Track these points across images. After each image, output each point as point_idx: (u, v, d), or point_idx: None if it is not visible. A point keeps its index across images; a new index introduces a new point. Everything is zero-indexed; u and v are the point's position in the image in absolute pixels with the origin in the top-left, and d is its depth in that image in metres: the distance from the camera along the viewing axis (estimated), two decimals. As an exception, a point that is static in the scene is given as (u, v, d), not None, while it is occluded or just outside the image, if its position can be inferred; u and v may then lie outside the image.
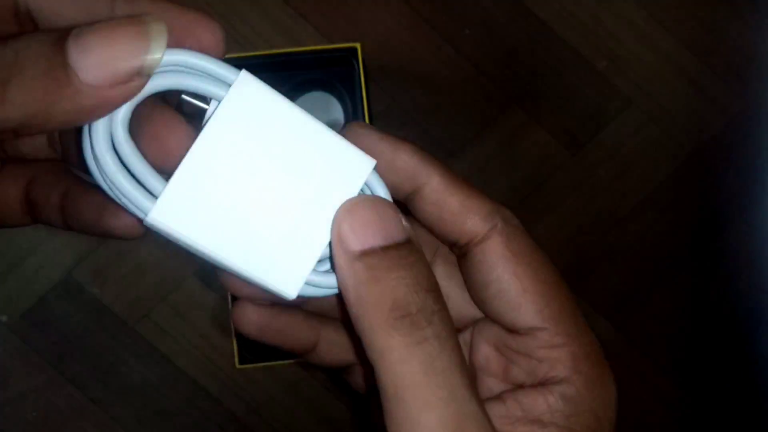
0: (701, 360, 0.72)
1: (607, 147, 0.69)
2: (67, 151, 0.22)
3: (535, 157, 0.69)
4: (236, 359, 0.53)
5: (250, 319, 0.23)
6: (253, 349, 0.53)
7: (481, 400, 0.18)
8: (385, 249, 0.18)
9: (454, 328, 0.18)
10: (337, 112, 0.58)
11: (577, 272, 0.70)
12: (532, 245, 0.21)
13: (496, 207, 0.21)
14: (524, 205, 0.69)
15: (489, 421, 0.18)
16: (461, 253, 0.21)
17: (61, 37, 0.16)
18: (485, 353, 0.22)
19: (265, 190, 0.19)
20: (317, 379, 0.67)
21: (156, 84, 0.18)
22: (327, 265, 0.20)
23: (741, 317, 0.71)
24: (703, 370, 0.72)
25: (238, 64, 0.54)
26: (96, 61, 0.15)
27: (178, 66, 0.18)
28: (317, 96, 0.58)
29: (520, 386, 0.21)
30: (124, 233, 0.20)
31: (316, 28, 0.68)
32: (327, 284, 0.20)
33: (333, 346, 0.24)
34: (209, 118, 0.19)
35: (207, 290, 0.67)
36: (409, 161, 0.20)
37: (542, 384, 0.20)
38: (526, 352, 0.20)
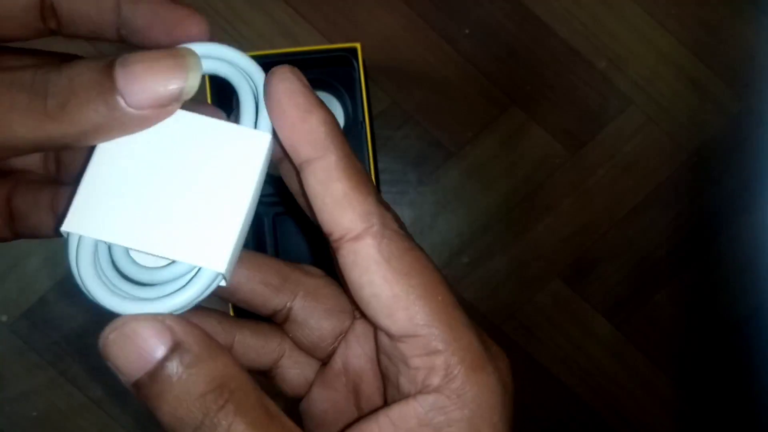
0: (700, 360, 0.72)
1: (606, 147, 0.69)
2: (67, 167, 0.23)
3: (535, 156, 0.69)
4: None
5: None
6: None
7: None
8: (152, 374, 0.18)
9: (255, 406, 0.18)
10: (337, 112, 0.58)
11: (577, 272, 0.70)
12: (407, 248, 0.20)
13: (378, 208, 0.20)
14: (523, 206, 0.69)
15: None
16: (335, 246, 0.20)
17: (108, 65, 0.18)
18: (382, 358, 0.22)
19: (170, 183, 0.20)
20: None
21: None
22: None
23: (741, 317, 0.71)
24: (702, 370, 0.72)
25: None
26: (141, 87, 0.18)
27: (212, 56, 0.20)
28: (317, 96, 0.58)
29: (393, 401, 0.20)
30: None
31: (317, 28, 0.68)
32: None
33: (248, 350, 0.24)
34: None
35: (207, 290, 0.67)
36: (317, 127, 0.20)
37: (416, 394, 0.20)
38: (404, 361, 0.20)
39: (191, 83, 0.18)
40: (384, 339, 0.21)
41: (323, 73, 0.57)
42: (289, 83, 0.20)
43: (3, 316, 0.67)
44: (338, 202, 0.19)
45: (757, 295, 0.70)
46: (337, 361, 0.24)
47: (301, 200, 0.22)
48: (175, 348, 0.18)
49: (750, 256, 0.70)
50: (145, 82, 0.18)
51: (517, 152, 0.69)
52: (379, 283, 0.19)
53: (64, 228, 0.19)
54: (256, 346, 0.25)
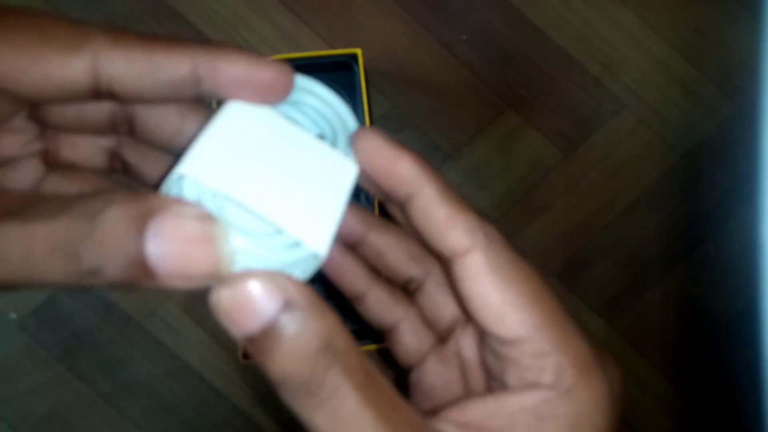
0: (692, 356, 0.72)
1: (599, 149, 0.70)
2: (134, 167, 0.24)
3: (530, 159, 0.69)
4: (240, 354, 0.54)
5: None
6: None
7: (401, 427, 0.18)
8: (265, 331, 0.18)
9: (359, 369, 0.19)
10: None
11: (571, 271, 0.70)
12: (513, 258, 0.21)
13: (480, 223, 0.21)
14: (519, 206, 0.69)
15: None
16: (448, 266, 0.21)
17: (138, 226, 0.17)
18: (487, 357, 0.22)
19: (283, 164, 0.20)
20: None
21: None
22: None
23: (732, 314, 0.71)
24: (694, 367, 0.72)
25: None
26: (173, 270, 0.17)
27: None
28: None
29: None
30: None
31: (319, 34, 0.68)
32: None
33: (379, 305, 0.25)
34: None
35: (212, 288, 0.67)
36: (408, 168, 0.21)
37: (525, 388, 0.20)
38: (515, 359, 0.21)
39: (224, 269, 0.18)
40: (493, 342, 0.21)
41: (325, 77, 0.58)
42: (373, 139, 0.22)
43: (12, 314, 0.67)
44: (442, 225, 0.21)
45: (747, 293, 0.70)
46: (455, 342, 0.24)
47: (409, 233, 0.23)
48: (287, 305, 0.18)
49: (740, 254, 0.70)
50: (175, 265, 0.17)
51: (512, 154, 0.69)
52: (489, 292, 0.20)
53: (182, 170, 0.18)
54: (388, 303, 0.25)
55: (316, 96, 0.22)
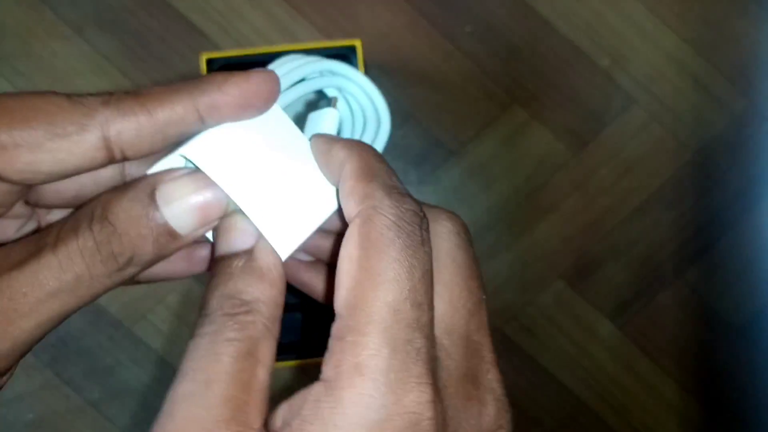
0: (704, 361, 0.72)
1: (609, 146, 0.69)
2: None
3: (537, 155, 0.69)
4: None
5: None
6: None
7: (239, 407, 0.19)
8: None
9: (257, 339, 0.20)
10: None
11: (580, 273, 0.69)
12: (388, 228, 0.20)
13: (378, 190, 0.20)
14: (526, 204, 0.69)
15: (223, 419, 0.18)
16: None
17: (149, 202, 0.20)
18: None
19: (270, 163, 0.22)
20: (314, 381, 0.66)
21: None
22: None
23: (745, 318, 0.70)
24: (705, 372, 0.71)
25: (237, 62, 0.53)
26: (192, 222, 0.21)
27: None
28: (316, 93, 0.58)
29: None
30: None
31: (315, 25, 0.67)
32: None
33: None
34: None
35: (205, 291, 0.67)
36: (338, 152, 0.22)
37: (316, 382, 0.20)
38: (330, 336, 0.20)
39: (227, 205, 0.21)
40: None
41: (322, 71, 0.57)
42: (317, 138, 0.23)
43: None
44: (345, 197, 0.21)
45: (761, 296, 0.70)
46: None
47: None
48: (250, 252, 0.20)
49: (754, 255, 0.69)
50: (192, 217, 0.20)
51: (518, 151, 0.69)
52: (345, 259, 0.20)
53: (183, 152, 0.21)
54: None
55: (357, 85, 0.23)
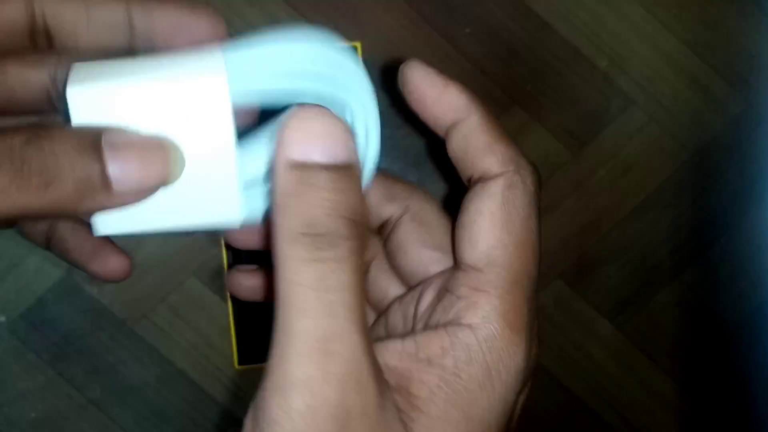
0: (702, 360, 0.72)
1: (608, 147, 0.69)
2: (61, 40, 0.24)
3: (536, 156, 0.69)
4: (235, 359, 0.53)
5: (243, 284, 0.25)
6: (252, 349, 0.53)
7: (363, 329, 0.18)
8: (321, 167, 0.18)
9: (362, 262, 0.19)
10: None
11: (578, 273, 0.69)
12: (527, 204, 0.21)
13: (518, 158, 0.22)
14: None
15: (363, 344, 0.18)
16: (470, 187, 0.22)
17: (95, 145, 0.18)
18: (429, 301, 0.23)
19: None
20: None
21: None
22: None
23: (744, 317, 0.70)
24: (704, 371, 0.71)
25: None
26: (132, 176, 0.18)
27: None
28: (317, 95, 0.58)
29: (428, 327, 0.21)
30: (111, 277, 0.23)
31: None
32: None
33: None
34: None
35: (207, 291, 0.67)
36: (457, 97, 0.22)
37: (446, 325, 0.20)
38: (454, 289, 0.21)
39: (174, 177, 0.19)
40: (448, 277, 0.21)
41: (323, 72, 0.57)
42: (420, 68, 0.23)
43: (1, 317, 0.67)
44: (482, 150, 0.21)
45: (760, 295, 0.70)
46: (416, 291, 0.25)
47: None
48: (347, 166, 0.19)
49: (753, 255, 0.69)
50: (136, 172, 0.18)
51: (518, 152, 0.69)
52: (485, 214, 0.21)
53: (99, 232, 0.20)
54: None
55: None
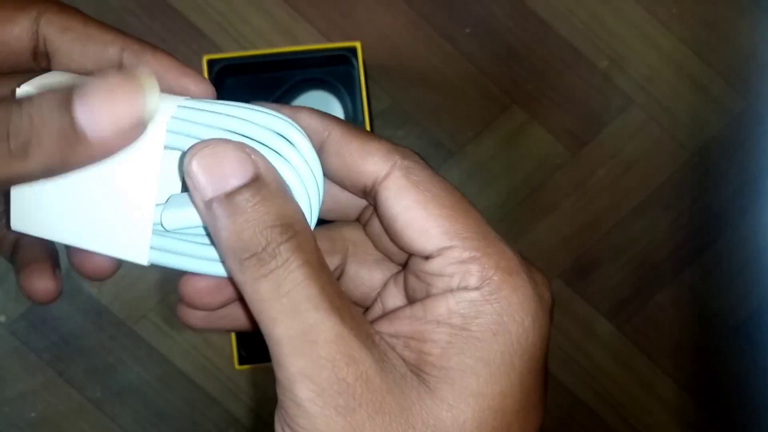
0: (701, 360, 0.72)
1: (607, 146, 0.69)
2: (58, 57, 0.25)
3: (536, 156, 0.69)
4: (235, 360, 0.53)
5: (195, 315, 0.25)
6: (252, 349, 0.53)
7: (335, 308, 0.19)
8: (229, 195, 0.19)
9: (313, 251, 0.20)
10: (337, 111, 0.57)
11: (578, 273, 0.69)
12: (431, 175, 0.22)
13: (393, 146, 0.22)
14: (524, 206, 0.69)
15: (340, 323, 0.19)
16: (372, 198, 0.22)
17: (66, 98, 0.18)
18: (411, 285, 0.23)
19: (81, 181, 0.21)
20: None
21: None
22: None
23: (742, 317, 0.70)
24: (702, 370, 0.71)
25: (237, 63, 0.53)
26: (101, 120, 0.18)
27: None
28: (317, 95, 0.58)
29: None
30: (33, 298, 0.24)
31: (316, 27, 0.67)
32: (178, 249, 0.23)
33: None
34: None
35: (206, 290, 0.67)
36: (308, 120, 0.22)
37: (450, 291, 0.21)
38: (440, 271, 0.21)
39: (150, 107, 0.19)
40: (417, 263, 0.22)
41: (323, 72, 0.57)
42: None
43: (2, 317, 0.67)
44: (358, 156, 0.21)
45: (758, 295, 0.70)
46: (378, 305, 0.25)
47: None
48: (255, 179, 0.19)
49: (752, 255, 0.69)
50: (104, 114, 0.18)
51: (517, 152, 0.69)
52: (412, 207, 0.21)
53: (13, 227, 0.21)
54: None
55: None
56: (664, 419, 0.71)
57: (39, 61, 0.23)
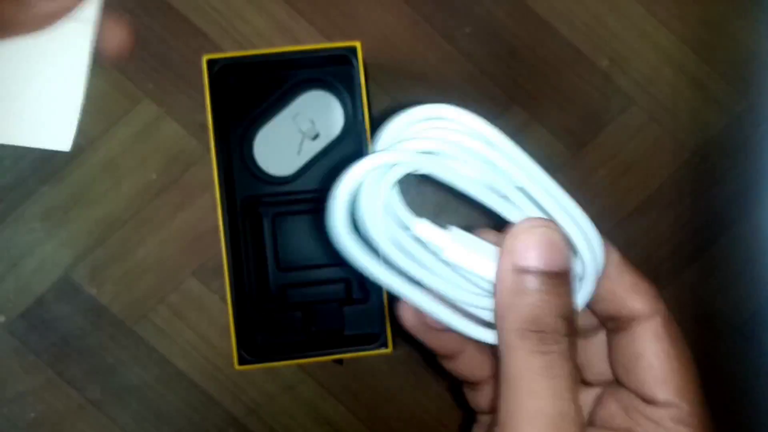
0: (702, 360, 0.71)
1: (608, 147, 0.69)
2: None
3: (536, 156, 0.68)
4: (235, 360, 0.53)
5: (411, 313, 0.27)
6: (252, 350, 0.53)
7: (580, 410, 0.21)
8: (543, 272, 0.22)
9: (576, 358, 0.22)
10: (337, 111, 0.57)
11: None
12: (680, 332, 0.25)
13: (659, 294, 0.25)
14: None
15: (582, 425, 0.21)
16: (616, 327, 0.25)
17: None
18: (612, 410, 0.25)
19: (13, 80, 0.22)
20: (317, 381, 0.66)
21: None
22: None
23: (744, 318, 0.70)
24: (704, 371, 0.71)
25: (237, 62, 0.53)
26: None
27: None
28: (317, 95, 0.58)
29: None
30: None
31: (316, 26, 0.67)
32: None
33: (473, 360, 0.28)
34: None
35: (206, 291, 0.67)
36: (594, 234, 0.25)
37: None
38: (657, 420, 0.24)
39: None
40: (632, 400, 0.24)
41: (323, 72, 0.57)
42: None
43: (0, 317, 0.67)
44: (629, 289, 0.25)
45: (760, 296, 0.70)
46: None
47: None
48: (566, 273, 0.22)
49: (753, 255, 0.69)
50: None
51: (518, 152, 0.69)
52: (661, 356, 0.24)
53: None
54: (481, 360, 0.30)
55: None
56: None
57: None
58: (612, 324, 0.25)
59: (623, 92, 0.69)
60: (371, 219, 0.23)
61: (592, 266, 0.24)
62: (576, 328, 0.22)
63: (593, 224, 0.25)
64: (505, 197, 0.24)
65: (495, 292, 0.23)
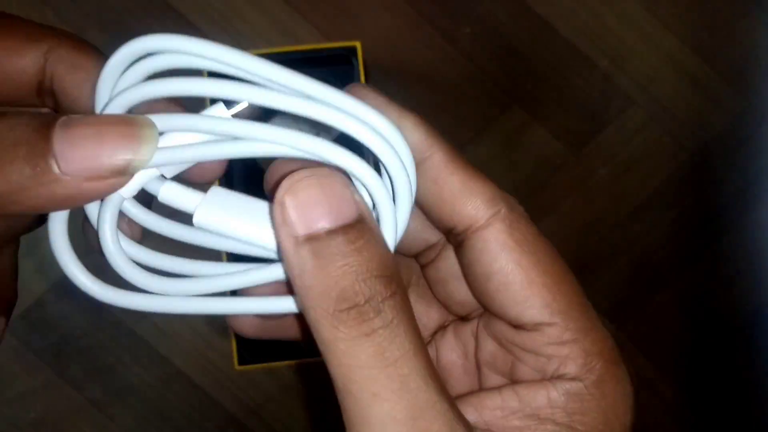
0: (702, 361, 0.71)
1: (608, 147, 0.69)
2: (65, 98, 0.22)
3: (536, 156, 0.69)
4: (235, 360, 0.53)
5: (246, 320, 0.22)
6: (252, 350, 0.53)
7: (443, 389, 0.16)
8: (331, 233, 0.16)
9: (412, 314, 0.17)
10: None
11: (578, 273, 0.68)
12: (537, 234, 0.19)
13: (499, 192, 0.19)
14: (525, 205, 0.68)
15: (452, 410, 0.16)
16: (457, 241, 0.19)
17: (46, 123, 0.16)
18: (490, 350, 0.20)
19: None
20: (316, 380, 0.66)
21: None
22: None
23: (743, 317, 0.70)
24: (704, 371, 0.71)
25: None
26: (81, 154, 0.16)
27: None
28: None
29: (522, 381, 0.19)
30: None
31: (316, 26, 0.67)
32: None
33: None
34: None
35: (206, 291, 0.67)
36: (413, 132, 0.19)
37: (549, 380, 0.18)
38: (534, 348, 0.19)
39: (142, 157, 0.16)
40: (503, 330, 0.19)
41: (323, 72, 0.57)
42: (369, 95, 0.19)
43: (1, 317, 0.67)
44: (458, 192, 0.18)
45: (760, 295, 0.70)
46: (431, 351, 0.22)
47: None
48: (359, 221, 0.16)
49: (753, 255, 0.69)
50: (86, 148, 0.16)
51: (518, 152, 0.69)
52: (511, 269, 0.18)
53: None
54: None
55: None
56: (664, 419, 0.71)
57: (44, 99, 0.20)
58: (454, 239, 0.19)
59: (623, 92, 0.69)
60: (111, 259, 0.19)
61: (402, 183, 0.17)
62: (400, 276, 0.16)
63: (390, 123, 0.18)
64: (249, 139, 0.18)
65: (287, 275, 0.17)
